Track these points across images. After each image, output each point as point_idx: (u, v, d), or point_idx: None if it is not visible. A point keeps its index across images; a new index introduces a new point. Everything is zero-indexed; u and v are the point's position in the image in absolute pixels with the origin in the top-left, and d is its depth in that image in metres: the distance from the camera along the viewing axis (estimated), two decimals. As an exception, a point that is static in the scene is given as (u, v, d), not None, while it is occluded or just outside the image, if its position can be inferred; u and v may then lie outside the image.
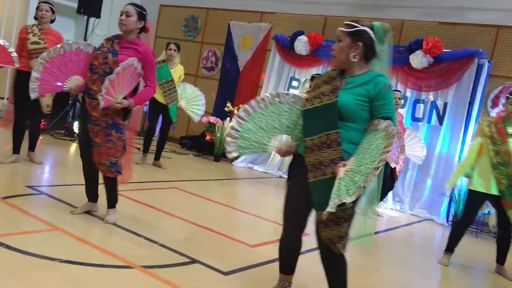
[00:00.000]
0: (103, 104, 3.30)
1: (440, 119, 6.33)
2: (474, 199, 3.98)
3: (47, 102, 4.95)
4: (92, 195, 3.72)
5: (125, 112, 3.49)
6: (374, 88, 2.33)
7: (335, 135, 2.34)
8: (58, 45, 3.47)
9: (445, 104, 6.30)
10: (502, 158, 3.75)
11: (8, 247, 2.81)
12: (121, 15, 3.42)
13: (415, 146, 5.83)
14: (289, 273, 2.71)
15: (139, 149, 7.24)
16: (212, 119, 7.85)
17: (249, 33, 8.23)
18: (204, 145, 8.02)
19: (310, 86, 2.46)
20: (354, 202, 2.24)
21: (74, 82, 3.46)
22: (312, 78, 2.38)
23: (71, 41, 3.57)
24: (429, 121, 6.42)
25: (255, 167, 7.55)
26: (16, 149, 4.88)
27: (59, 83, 3.46)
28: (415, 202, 6.32)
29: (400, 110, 6.14)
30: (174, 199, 4.97)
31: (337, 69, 2.50)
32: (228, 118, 7.81)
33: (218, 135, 7.72)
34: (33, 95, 3.43)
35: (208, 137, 7.87)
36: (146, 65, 3.48)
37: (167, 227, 3.86)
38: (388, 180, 5.34)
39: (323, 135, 2.36)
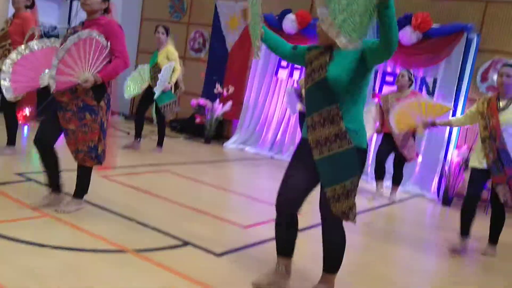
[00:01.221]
0: (54, 86, 3.10)
1: (430, 96, 6.32)
2: (472, 175, 3.94)
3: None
4: (53, 184, 3.44)
5: (98, 91, 3.24)
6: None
7: (335, 110, 2.37)
8: (22, 46, 3.41)
9: (435, 80, 6.29)
10: (489, 132, 3.75)
11: (-2, 235, 2.78)
12: None
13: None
14: (286, 254, 2.65)
15: (128, 133, 7.19)
16: (202, 101, 7.79)
17: (237, 13, 8.10)
18: (195, 128, 7.98)
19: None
20: (359, 174, 2.41)
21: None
22: (309, 48, 2.38)
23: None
24: (419, 98, 6.41)
25: (246, 148, 7.52)
26: None
27: (32, 82, 3.39)
28: (407, 178, 6.35)
29: (392, 88, 6.14)
30: (166, 182, 4.94)
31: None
32: (218, 100, 7.75)
33: (208, 117, 7.67)
34: (8, 96, 3.36)
35: (198, 120, 7.82)
36: (111, 37, 3.23)
37: (158, 211, 3.84)
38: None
39: (323, 111, 2.39)
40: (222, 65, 8.25)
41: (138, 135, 6.23)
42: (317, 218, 2.56)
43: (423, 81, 6.37)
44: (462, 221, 3.88)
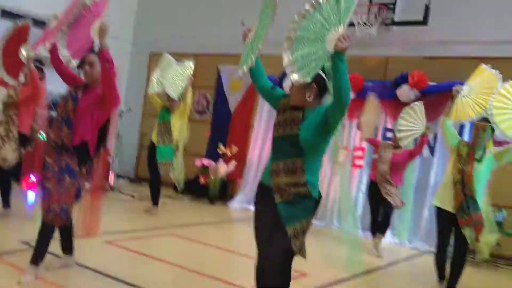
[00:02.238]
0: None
1: (432, 151, 6.39)
2: (438, 215, 4.16)
3: (3, 155, 4.67)
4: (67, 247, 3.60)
5: (82, 158, 3.32)
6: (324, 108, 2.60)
7: (299, 162, 2.59)
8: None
9: (435, 136, 6.37)
10: (462, 177, 3.96)
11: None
12: (83, 64, 3.38)
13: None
14: None
15: (133, 196, 7.21)
16: (206, 161, 7.86)
17: (238, 75, 8.34)
18: (199, 188, 8.00)
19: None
20: (313, 215, 2.67)
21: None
22: (284, 96, 2.64)
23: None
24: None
25: (251, 208, 7.50)
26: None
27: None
28: (414, 234, 6.28)
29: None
30: (170, 245, 4.90)
31: None
32: (221, 160, 7.83)
33: (212, 177, 7.71)
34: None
35: (202, 180, 7.86)
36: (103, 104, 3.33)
37: (162, 275, 3.79)
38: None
39: (288, 161, 2.61)
40: (225, 126, 8.40)
41: (155, 201, 6.15)
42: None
43: (424, 136, 6.45)
44: (437, 265, 4.24)
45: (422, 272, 5.28)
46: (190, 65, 6.10)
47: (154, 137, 6.11)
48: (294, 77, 2.47)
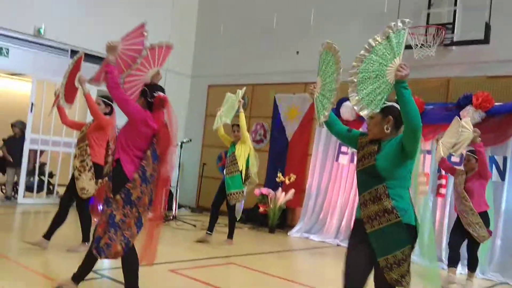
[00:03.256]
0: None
1: (501, 174, 6.06)
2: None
3: (81, 185, 4.86)
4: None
5: (117, 185, 3.27)
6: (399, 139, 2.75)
7: (382, 188, 2.69)
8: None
9: (505, 158, 6.05)
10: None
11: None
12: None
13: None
14: None
15: (194, 225, 7.33)
16: (264, 190, 7.88)
17: (295, 104, 8.42)
18: (258, 217, 8.00)
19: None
20: (410, 245, 2.68)
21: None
22: (362, 134, 2.90)
23: None
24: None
25: (311, 237, 7.39)
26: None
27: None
28: (486, 264, 5.91)
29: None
30: (232, 275, 4.91)
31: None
32: (280, 189, 7.82)
33: (271, 206, 7.70)
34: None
35: (261, 209, 7.86)
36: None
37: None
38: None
39: (372, 190, 2.72)
40: (283, 155, 8.42)
41: (210, 228, 6.28)
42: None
43: (493, 159, 6.14)
44: None
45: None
46: (240, 91, 6.27)
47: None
48: (364, 113, 2.66)
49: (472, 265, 5.22)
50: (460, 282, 5.21)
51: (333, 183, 7.63)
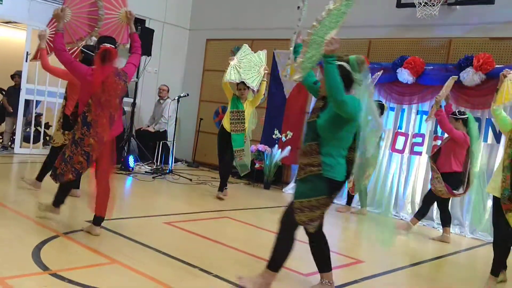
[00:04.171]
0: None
1: (497, 137, 6.08)
2: (494, 204, 3.95)
3: (52, 134, 5.14)
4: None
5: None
6: None
7: (315, 146, 2.96)
8: None
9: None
10: (510, 163, 3.76)
11: (71, 281, 2.93)
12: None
13: None
14: (325, 270, 3.27)
15: (190, 180, 7.40)
16: (261, 147, 7.92)
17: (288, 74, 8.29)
18: (254, 173, 8.08)
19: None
20: (327, 196, 2.95)
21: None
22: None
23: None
24: (485, 140, 6.17)
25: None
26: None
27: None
28: (477, 224, 6.03)
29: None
30: (227, 228, 5.01)
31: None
32: (276, 145, 7.85)
33: (267, 162, 7.76)
34: None
35: (257, 165, 7.93)
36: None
37: (220, 258, 3.89)
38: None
39: (307, 145, 3.00)
40: (280, 112, 8.40)
41: (222, 185, 6.32)
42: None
43: (489, 122, 6.14)
44: (495, 259, 3.94)
45: (482, 262, 5.08)
46: (262, 53, 6.23)
47: (226, 124, 6.23)
48: (295, 77, 2.89)
49: (444, 221, 5.53)
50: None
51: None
